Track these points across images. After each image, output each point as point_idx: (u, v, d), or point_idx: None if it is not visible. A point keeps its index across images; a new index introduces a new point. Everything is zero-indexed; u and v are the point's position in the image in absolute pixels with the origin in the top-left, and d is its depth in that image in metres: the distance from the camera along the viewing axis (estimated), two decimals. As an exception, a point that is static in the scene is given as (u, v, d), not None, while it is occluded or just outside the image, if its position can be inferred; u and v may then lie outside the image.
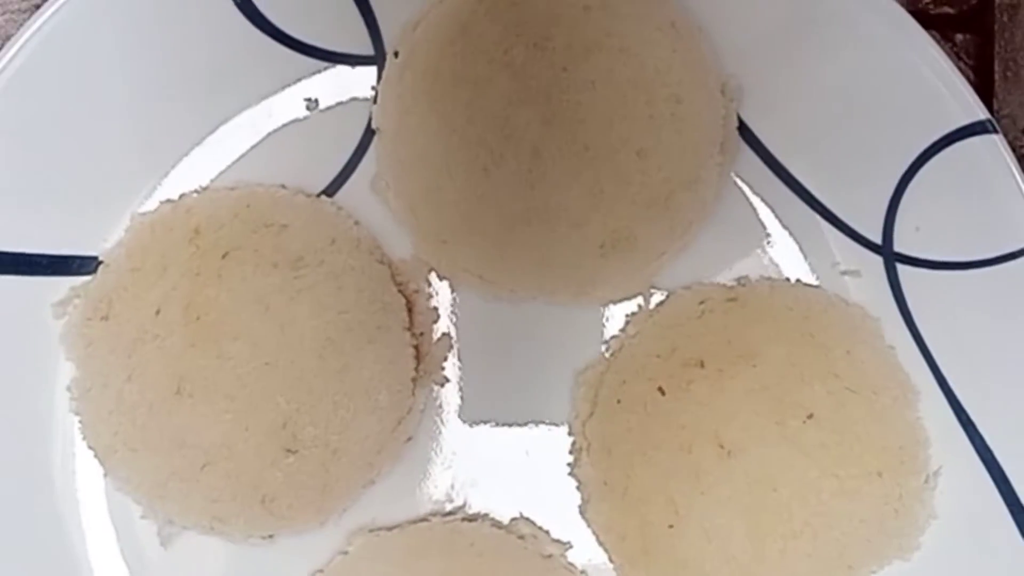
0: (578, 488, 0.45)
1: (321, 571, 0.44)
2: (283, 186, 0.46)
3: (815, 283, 0.47)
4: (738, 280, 0.47)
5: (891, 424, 0.44)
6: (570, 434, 0.46)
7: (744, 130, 0.47)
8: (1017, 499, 0.44)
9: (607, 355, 0.46)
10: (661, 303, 0.46)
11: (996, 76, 0.50)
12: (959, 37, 0.51)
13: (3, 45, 0.43)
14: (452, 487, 0.45)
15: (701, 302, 0.46)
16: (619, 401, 0.45)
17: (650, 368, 0.45)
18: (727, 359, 0.44)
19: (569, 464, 0.46)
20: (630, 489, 0.44)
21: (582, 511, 0.45)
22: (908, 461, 0.44)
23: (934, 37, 0.45)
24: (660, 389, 0.44)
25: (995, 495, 0.44)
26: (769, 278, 0.46)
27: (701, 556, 0.44)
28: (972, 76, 0.50)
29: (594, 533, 0.45)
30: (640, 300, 0.47)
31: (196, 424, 0.43)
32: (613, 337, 0.46)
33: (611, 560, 0.45)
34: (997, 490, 0.45)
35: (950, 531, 0.44)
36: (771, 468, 0.44)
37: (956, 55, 0.51)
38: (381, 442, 0.44)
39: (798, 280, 0.47)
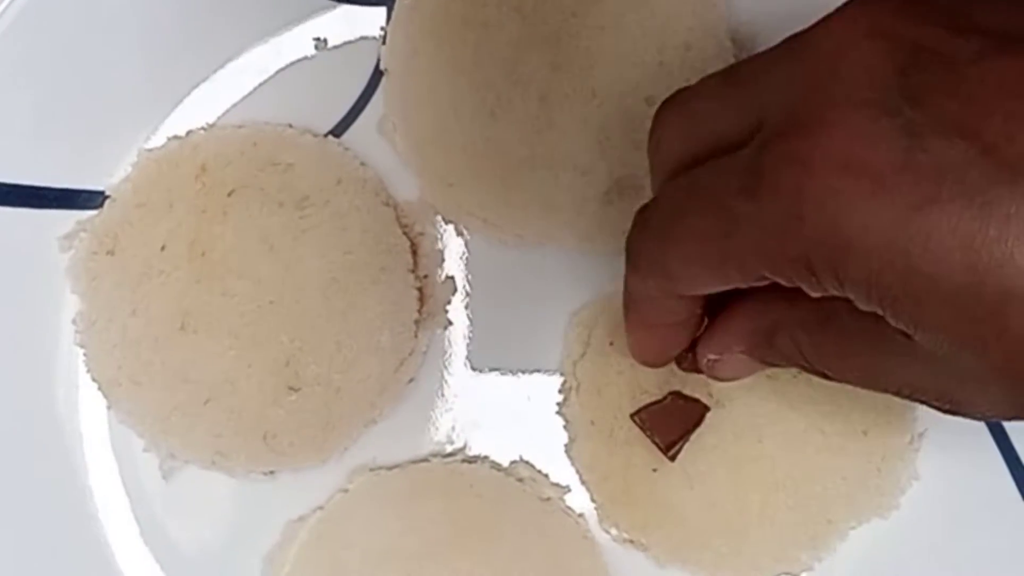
0: (565, 427, 0.45)
1: (321, 508, 0.45)
2: (290, 125, 0.46)
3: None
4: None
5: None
6: (561, 373, 0.46)
7: (754, 79, 0.47)
8: (1017, 456, 0.45)
9: (603, 297, 0.46)
10: (662, 248, 0.46)
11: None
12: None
13: (12, -23, 0.43)
14: (453, 429, 0.46)
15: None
16: (612, 343, 0.45)
17: (647, 312, 0.45)
18: (723, 308, 0.45)
19: (558, 404, 0.46)
20: (616, 431, 0.44)
21: (567, 449, 0.45)
22: (894, 421, 0.44)
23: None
24: (655, 334, 0.45)
25: (995, 453, 0.45)
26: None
27: (683, 501, 0.44)
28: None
29: (577, 472, 0.45)
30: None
31: (199, 360, 0.44)
32: (610, 279, 0.46)
33: (592, 500, 0.45)
34: (996, 447, 0.45)
35: (931, 492, 0.44)
36: (758, 419, 0.44)
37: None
38: (383, 383, 0.45)
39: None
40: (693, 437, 0.44)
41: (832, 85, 0.30)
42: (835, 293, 0.31)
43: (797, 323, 0.35)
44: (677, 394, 0.44)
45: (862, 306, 0.31)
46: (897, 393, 0.34)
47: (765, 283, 0.32)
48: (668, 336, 0.40)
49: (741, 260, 0.32)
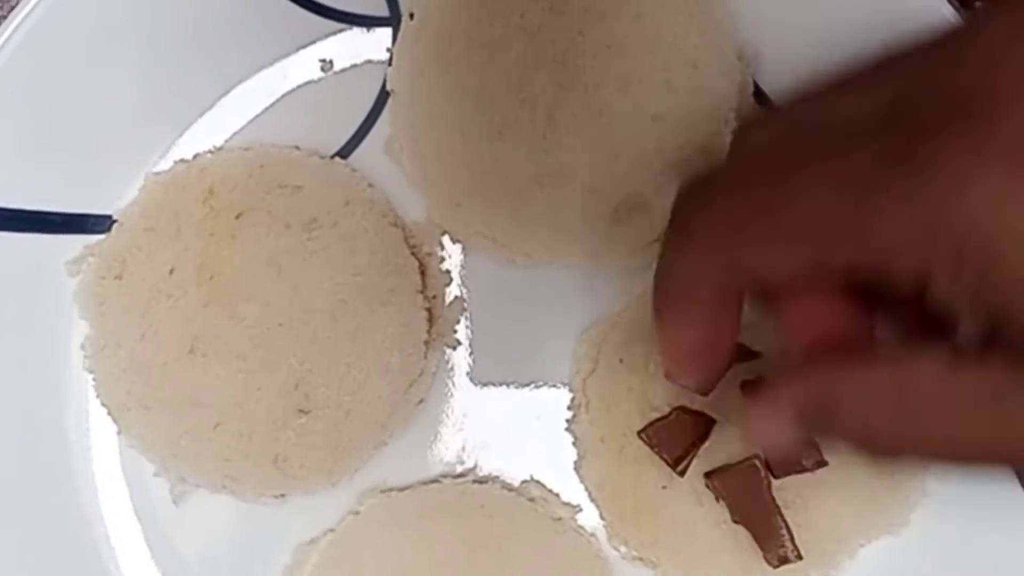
0: (574, 444, 0.45)
1: (332, 530, 0.45)
2: (297, 147, 0.46)
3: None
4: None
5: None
6: (570, 390, 0.46)
7: (760, 96, 0.47)
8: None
9: (613, 314, 0.46)
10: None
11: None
12: (981, 6, 0.50)
13: (17, 2, 0.43)
14: (463, 449, 0.46)
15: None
16: (621, 360, 0.45)
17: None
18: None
19: (567, 420, 0.46)
20: (625, 448, 0.44)
21: (577, 467, 0.45)
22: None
23: (954, 5, 0.45)
24: (664, 351, 0.45)
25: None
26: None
27: (691, 518, 0.44)
28: (991, 45, 0.50)
29: (587, 489, 0.45)
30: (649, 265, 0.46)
31: (209, 383, 0.44)
32: (619, 295, 0.46)
33: (602, 518, 0.45)
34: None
35: (941, 509, 0.44)
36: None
37: (975, 24, 0.50)
38: (393, 404, 0.45)
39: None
40: (702, 454, 0.44)
41: (1000, 75, 0.28)
42: (959, 302, 0.28)
43: (870, 400, 0.31)
44: (682, 409, 0.44)
45: (978, 318, 0.28)
46: (1000, 467, 0.31)
47: (868, 273, 0.29)
48: (710, 337, 0.35)
49: (867, 239, 0.29)
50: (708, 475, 0.44)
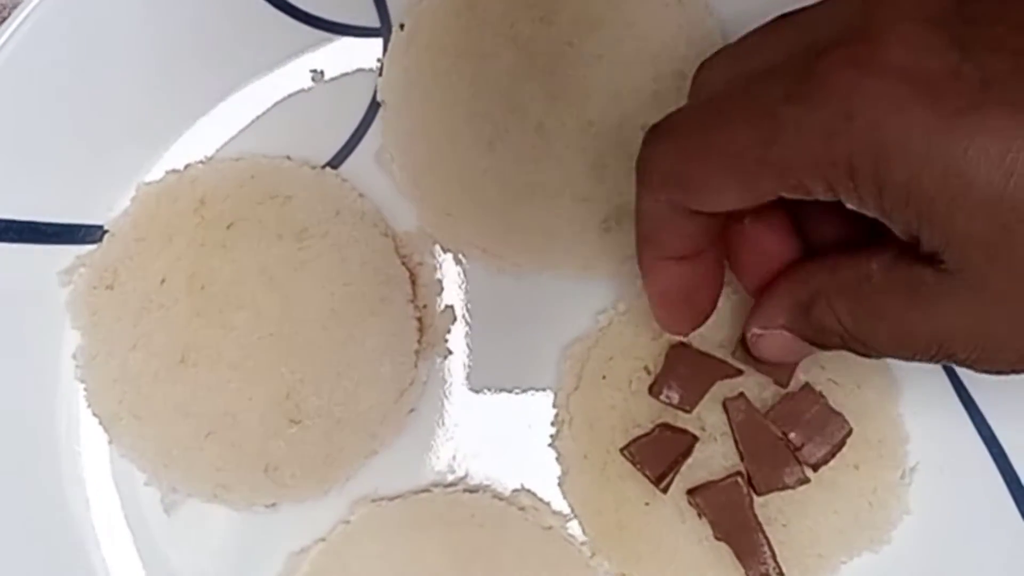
0: (557, 460, 0.46)
1: (323, 540, 0.45)
2: (288, 158, 0.46)
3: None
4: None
5: (873, 418, 0.44)
6: (554, 406, 0.46)
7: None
8: (1020, 483, 0.45)
9: (596, 330, 0.46)
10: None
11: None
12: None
13: (9, 13, 0.43)
14: (454, 458, 0.46)
15: (695, 284, 0.46)
16: (604, 377, 0.45)
17: (638, 346, 0.45)
18: (713, 343, 0.45)
19: (551, 436, 0.46)
20: (609, 465, 0.44)
21: (560, 483, 0.45)
22: (887, 456, 0.44)
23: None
24: (646, 368, 0.45)
25: (998, 482, 0.45)
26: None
27: (674, 535, 0.44)
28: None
29: (570, 506, 0.45)
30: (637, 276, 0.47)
31: (200, 393, 0.44)
32: (602, 312, 0.46)
33: (584, 534, 0.45)
34: (1001, 477, 0.45)
35: (922, 527, 0.44)
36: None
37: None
38: (384, 413, 0.45)
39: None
40: (684, 471, 0.44)
41: (894, 3, 0.31)
42: (869, 208, 0.31)
43: (834, 290, 0.36)
44: (665, 425, 0.44)
45: (897, 220, 0.31)
46: (930, 355, 0.34)
47: (794, 196, 0.32)
48: (688, 278, 0.39)
49: (780, 167, 0.32)
50: (691, 492, 0.44)
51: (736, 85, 0.34)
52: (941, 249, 0.31)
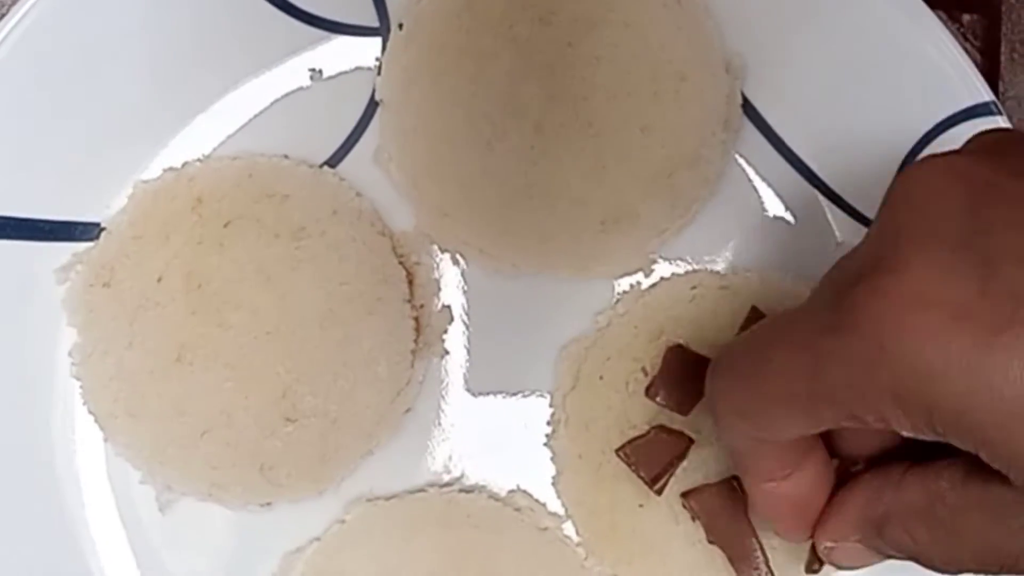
0: (552, 460, 0.45)
1: (318, 539, 0.45)
2: (286, 156, 0.46)
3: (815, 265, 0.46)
4: (732, 268, 0.47)
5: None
6: (550, 406, 0.46)
7: (748, 108, 0.47)
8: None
9: (594, 331, 0.46)
10: (654, 285, 0.46)
11: (1003, 58, 0.50)
12: (966, 17, 0.51)
13: (7, 11, 0.43)
14: (450, 458, 0.46)
15: (693, 287, 0.46)
16: (601, 377, 0.45)
17: (635, 348, 0.45)
18: (713, 346, 0.45)
19: (547, 436, 0.46)
20: (603, 466, 0.44)
21: (555, 482, 0.45)
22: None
23: (940, 18, 0.45)
24: (643, 370, 0.45)
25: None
26: (761, 269, 0.46)
27: (667, 537, 0.44)
28: (978, 57, 0.50)
29: (564, 506, 0.45)
30: (633, 278, 0.47)
31: (196, 392, 0.44)
32: (600, 313, 0.46)
33: (578, 534, 0.45)
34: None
35: None
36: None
37: (963, 36, 0.50)
38: (380, 413, 0.45)
39: (789, 273, 0.46)
40: (679, 473, 0.44)
41: (911, 222, 0.31)
42: (925, 433, 0.31)
43: (907, 511, 0.35)
44: (661, 427, 0.44)
45: (956, 442, 0.30)
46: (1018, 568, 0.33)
47: (854, 425, 0.32)
48: (796, 493, 0.38)
49: (831, 398, 0.32)
50: (685, 495, 0.44)
51: (775, 316, 0.36)
52: (1006, 469, 0.30)
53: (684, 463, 0.44)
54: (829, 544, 0.38)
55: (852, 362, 0.31)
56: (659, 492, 0.43)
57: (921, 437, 0.31)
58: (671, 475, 0.43)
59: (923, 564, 0.35)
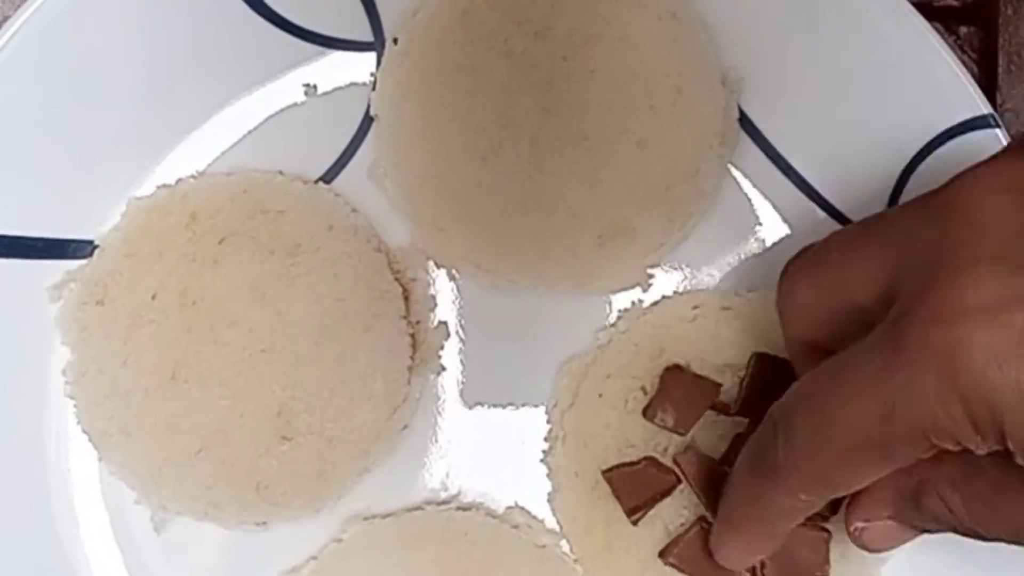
0: (548, 476, 0.45)
1: (315, 558, 0.44)
2: (280, 172, 0.46)
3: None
4: (731, 285, 0.46)
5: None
6: (548, 422, 0.46)
7: (745, 121, 0.47)
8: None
9: (595, 348, 0.46)
10: (655, 303, 0.46)
11: (1000, 70, 0.50)
12: (963, 30, 0.50)
13: (0, 26, 0.43)
14: (447, 476, 0.45)
15: (695, 307, 0.46)
16: (601, 395, 0.45)
17: (636, 366, 0.45)
18: (713, 367, 0.45)
19: (543, 452, 0.46)
20: (600, 483, 0.44)
21: (550, 499, 0.45)
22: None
23: (937, 30, 0.45)
24: (643, 389, 0.45)
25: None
26: (762, 289, 0.46)
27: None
28: (976, 70, 0.50)
29: (559, 522, 0.45)
30: (634, 296, 0.46)
31: (191, 410, 0.43)
32: (601, 329, 0.46)
33: (572, 552, 0.45)
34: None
35: (913, 563, 0.44)
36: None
37: (959, 48, 0.50)
38: (376, 430, 0.44)
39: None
40: (674, 491, 0.44)
41: (967, 240, 0.31)
42: (998, 448, 0.31)
43: (944, 480, 0.35)
44: (652, 460, 0.44)
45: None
46: None
47: (932, 453, 0.32)
48: (765, 544, 0.40)
49: (907, 437, 0.31)
50: (662, 555, 0.44)
51: (826, 366, 0.34)
52: None
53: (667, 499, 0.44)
54: (861, 524, 0.38)
55: (924, 396, 0.30)
56: (635, 523, 0.43)
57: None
58: (650, 509, 0.43)
59: (959, 532, 0.35)
